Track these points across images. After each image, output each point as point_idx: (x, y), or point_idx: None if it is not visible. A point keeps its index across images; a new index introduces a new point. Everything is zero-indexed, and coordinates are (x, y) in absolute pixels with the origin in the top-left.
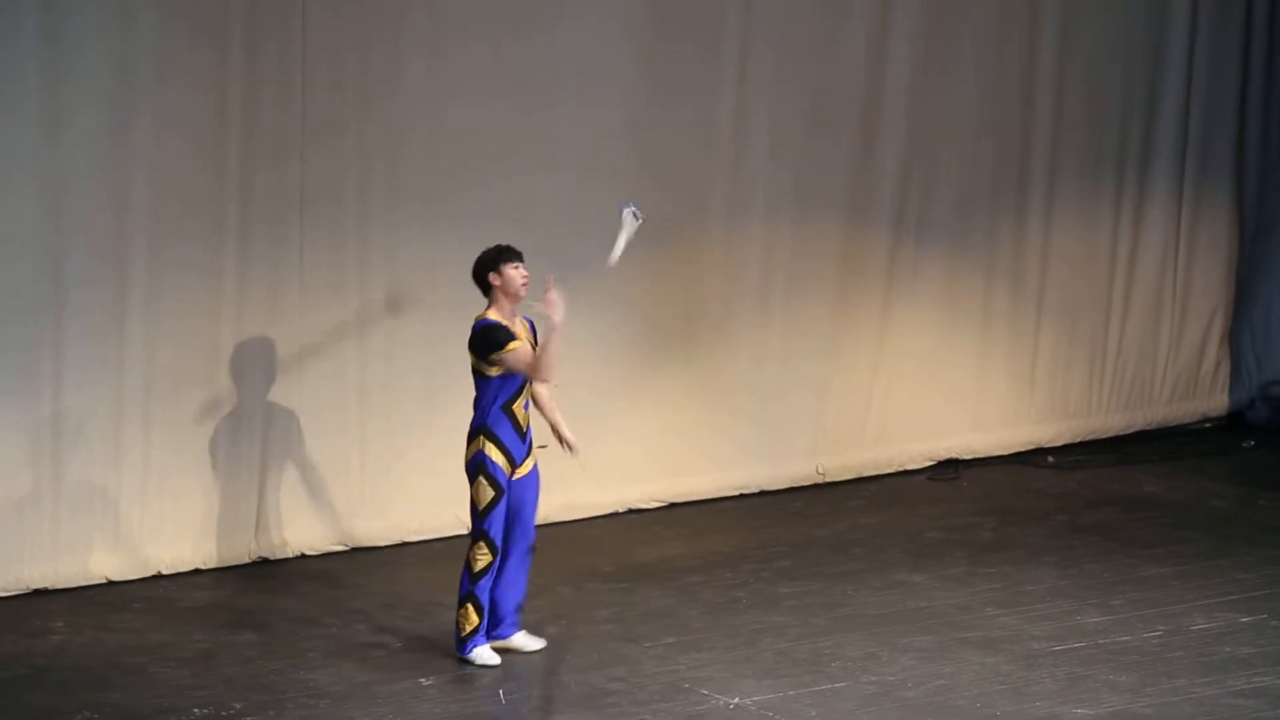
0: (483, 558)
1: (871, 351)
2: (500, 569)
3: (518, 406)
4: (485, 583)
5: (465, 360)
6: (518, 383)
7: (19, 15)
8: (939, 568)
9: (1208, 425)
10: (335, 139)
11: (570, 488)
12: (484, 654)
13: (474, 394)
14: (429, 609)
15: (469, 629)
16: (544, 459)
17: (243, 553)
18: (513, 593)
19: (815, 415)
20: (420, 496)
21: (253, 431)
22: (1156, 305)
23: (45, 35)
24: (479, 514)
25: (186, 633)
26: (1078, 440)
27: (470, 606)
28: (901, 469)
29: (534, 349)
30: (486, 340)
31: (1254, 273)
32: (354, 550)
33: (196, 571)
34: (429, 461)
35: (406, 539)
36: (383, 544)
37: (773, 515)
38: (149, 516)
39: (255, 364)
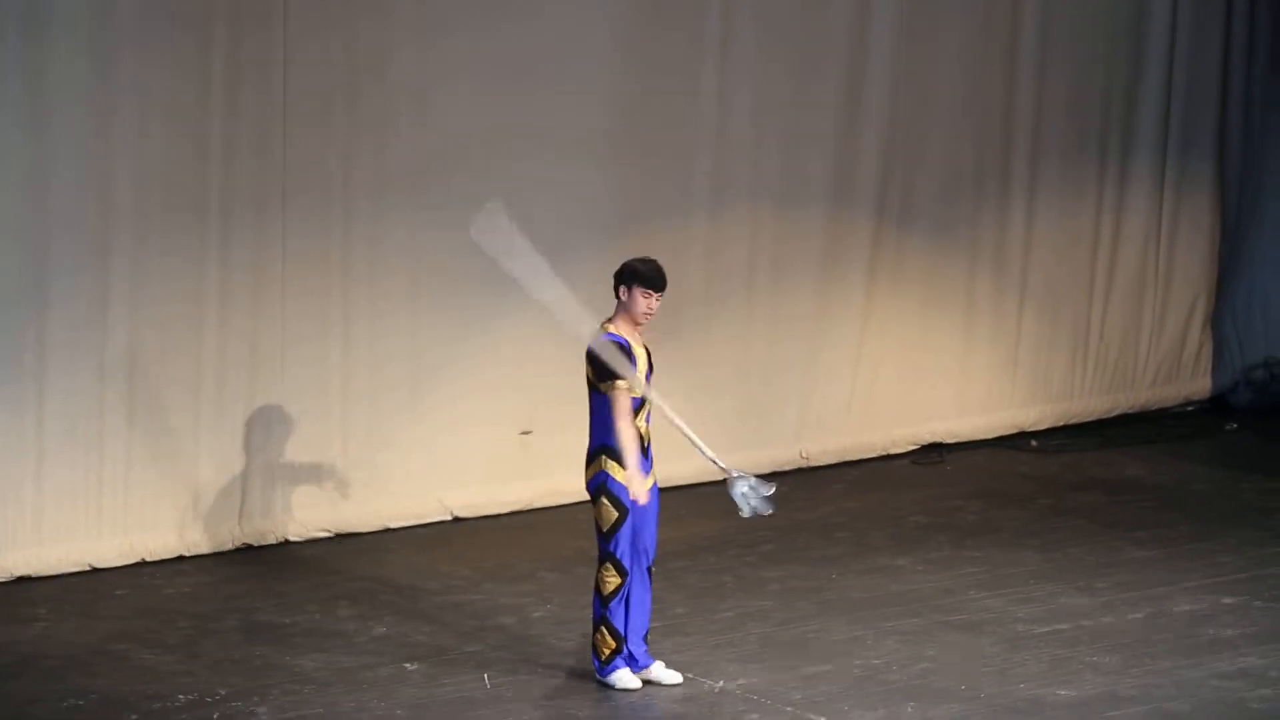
0: (611, 580)
1: (855, 336)
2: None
3: (639, 421)
4: (617, 605)
5: (449, 346)
6: (639, 399)
7: (1, 10)
8: (923, 551)
9: (1190, 408)
10: (318, 126)
11: (555, 473)
12: (624, 678)
13: (587, 411)
14: (413, 594)
15: (607, 652)
16: (524, 444)
17: (227, 539)
18: (638, 619)
19: (799, 400)
20: (404, 482)
21: (237, 418)
22: (1139, 289)
23: (26, 26)
24: (604, 535)
25: (171, 619)
26: (1061, 424)
27: (605, 631)
28: (885, 453)
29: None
30: (602, 367)
31: (1236, 257)
32: (338, 536)
33: (180, 558)
34: (413, 447)
35: (390, 525)
36: (367, 530)
37: None
38: (133, 503)
39: (239, 351)
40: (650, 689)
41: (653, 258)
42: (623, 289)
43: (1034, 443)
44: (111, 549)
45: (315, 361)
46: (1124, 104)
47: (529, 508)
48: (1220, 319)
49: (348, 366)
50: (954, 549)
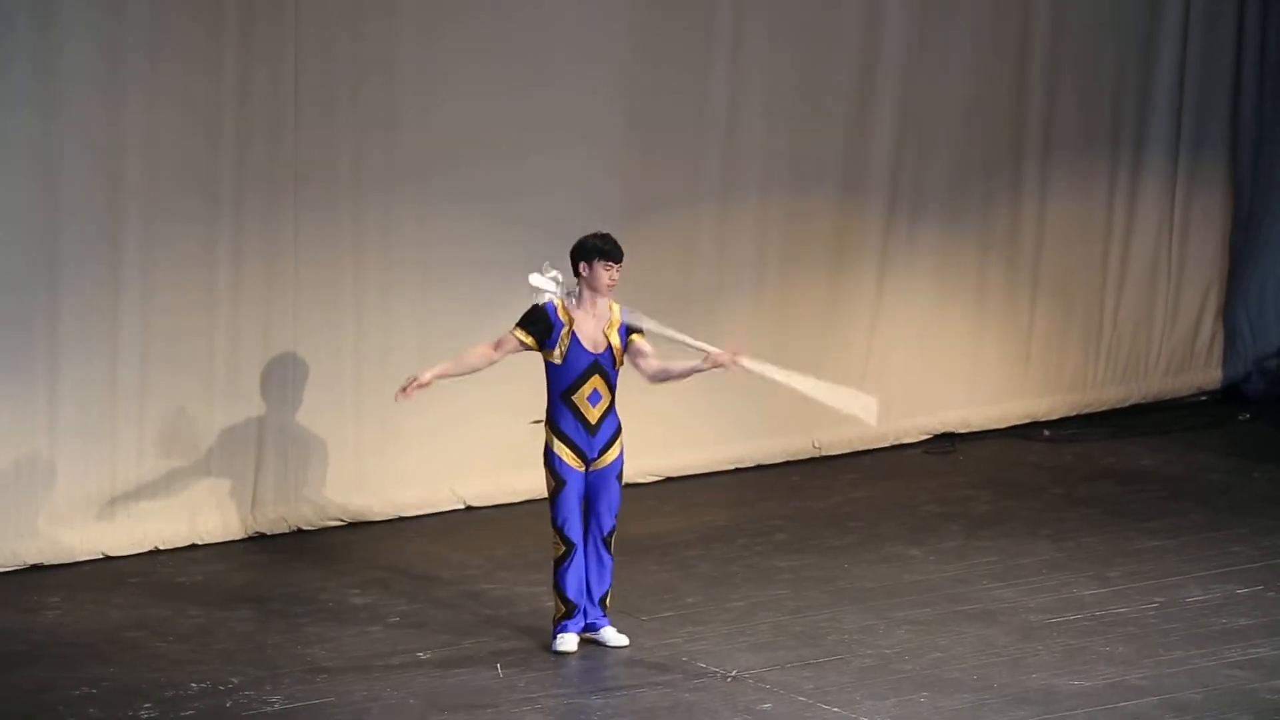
0: (555, 547)
1: (867, 326)
2: (584, 561)
3: (579, 398)
4: (563, 571)
5: (459, 335)
6: (574, 373)
7: (12, 2)
8: (935, 541)
9: (1203, 398)
10: (329, 116)
11: None
12: (561, 641)
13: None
14: (426, 584)
15: (555, 616)
16: (535, 433)
17: (239, 528)
18: (594, 585)
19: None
20: (417, 472)
21: (249, 407)
22: (1151, 279)
23: (37, 15)
24: (549, 504)
25: (183, 608)
26: (1073, 414)
27: (555, 595)
28: (897, 443)
29: (616, 343)
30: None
31: (1249, 246)
32: (350, 525)
33: (193, 547)
34: (425, 437)
35: (403, 514)
36: (379, 519)
37: (769, 489)
38: (145, 492)
39: (251, 340)
40: (666, 677)
41: (605, 231)
42: (583, 265)
43: (1046, 432)
44: (124, 537)
45: (327, 350)
46: (1137, 95)
47: (541, 496)
48: (1232, 309)
49: (360, 355)
50: (966, 539)
